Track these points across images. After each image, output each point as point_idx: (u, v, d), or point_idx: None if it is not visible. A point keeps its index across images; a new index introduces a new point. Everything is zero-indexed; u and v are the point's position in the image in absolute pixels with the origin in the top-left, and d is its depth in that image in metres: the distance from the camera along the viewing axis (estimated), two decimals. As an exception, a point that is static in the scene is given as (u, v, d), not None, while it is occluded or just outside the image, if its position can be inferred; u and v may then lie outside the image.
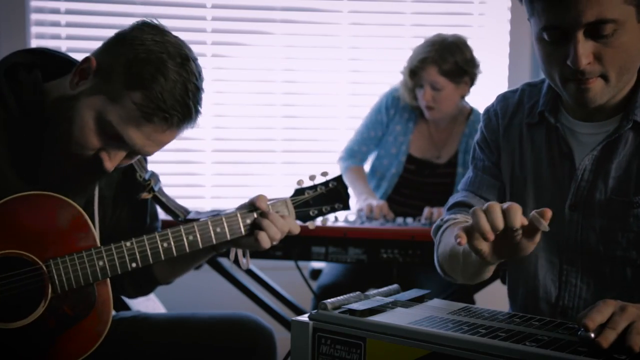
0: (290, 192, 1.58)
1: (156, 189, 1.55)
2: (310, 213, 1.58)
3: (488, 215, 1.08)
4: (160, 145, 1.39)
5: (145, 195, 1.54)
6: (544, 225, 1.08)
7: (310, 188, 1.58)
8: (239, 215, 1.50)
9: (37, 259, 1.35)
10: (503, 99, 1.49)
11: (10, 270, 1.34)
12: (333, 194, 1.60)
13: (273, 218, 1.48)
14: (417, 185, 2.65)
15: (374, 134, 2.70)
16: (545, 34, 1.24)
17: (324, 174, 1.59)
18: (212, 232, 1.47)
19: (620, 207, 1.30)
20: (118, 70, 1.33)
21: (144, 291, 1.65)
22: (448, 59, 2.43)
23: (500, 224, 1.07)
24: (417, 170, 2.64)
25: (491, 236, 1.07)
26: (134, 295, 1.66)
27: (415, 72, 2.49)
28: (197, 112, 1.39)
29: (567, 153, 1.35)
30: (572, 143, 1.35)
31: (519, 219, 1.08)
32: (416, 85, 2.53)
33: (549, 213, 1.08)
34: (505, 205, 1.09)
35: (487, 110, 1.50)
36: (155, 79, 1.32)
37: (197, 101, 1.39)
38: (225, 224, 1.48)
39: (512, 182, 1.44)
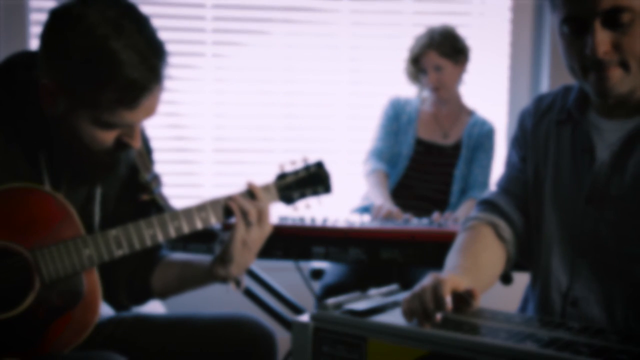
0: (272, 177, 1.63)
1: (156, 192, 1.56)
2: (293, 196, 1.62)
3: (421, 299, 1.14)
4: (157, 102, 1.40)
5: (145, 196, 1.55)
6: (473, 305, 1.17)
7: (292, 172, 1.62)
8: (222, 200, 1.53)
9: (23, 249, 1.35)
10: (538, 99, 1.55)
11: None
12: (315, 177, 1.65)
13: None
14: (426, 168, 2.75)
15: (389, 129, 2.81)
16: (566, 26, 1.28)
17: (304, 159, 1.65)
18: (197, 217, 1.49)
19: (633, 203, 1.31)
20: (76, 82, 1.32)
21: (138, 302, 1.66)
22: (444, 43, 2.72)
23: (429, 305, 1.12)
24: (426, 151, 2.77)
25: (428, 325, 1.10)
26: (128, 305, 1.66)
27: (417, 59, 2.76)
28: (164, 57, 1.37)
29: (588, 148, 1.38)
30: (595, 139, 1.38)
31: (447, 294, 1.14)
32: (420, 72, 2.78)
33: (477, 294, 1.18)
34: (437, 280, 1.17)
35: (523, 111, 1.56)
36: (113, 70, 1.30)
37: (157, 51, 1.35)
38: (209, 209, 1.50)
39: (534, 177, 1.48)
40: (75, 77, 1.32)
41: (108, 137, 1.39)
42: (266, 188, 1.60)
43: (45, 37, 1.35)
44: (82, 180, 1.50)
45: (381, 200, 2.56)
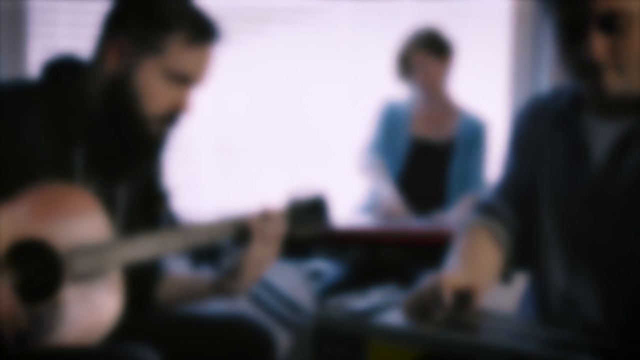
0: (281, 200, 1.63)
1: (168, 204, 1.58)
2: (296, 226, 1.63)
3: (421, 299, 1.16)
4: (210, 67, 1.52)
5: (158, 206, 1.57)
6: (474, 304, 1.20)
7: (299, 202, 1.65)
8: (242, 219, 1.54)
9: (55, 246, 1.36)
10: (533, 101, 1.55)
11: (27, 255, 1.35)
12: (315, 209, 1.66)
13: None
14: (422, 165, 2.78)
15: (384, 127, 2.83)
16: (561, 29, 1.28)
17: (307, 189, 1.67)
18: (216, 232, 1.51)
19: (631, 203, 1.31)
20: (148, 27, 1.42)
21: (141, 311, 1.65)
22: (430, 41, 2.77)
23: (429, 305, 1.14)
24: (421, 150, 2.79)
25: (428, 325, 1.13)
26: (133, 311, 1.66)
27: (406, 58, 2.79)
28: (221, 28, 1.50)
29: (584, 149, 1.38)
30: (591, 139, 1.38)
31: (447, 292, 1.16)
32: (408, 71, 2.80)
33: (477, 294, 1.21)
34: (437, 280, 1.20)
35: (518, 113, 1.56)
36: (183, 13, 1.43)
37: (216, 21, 1.49)
38: (228, 226, 1.53)
39: (531, 180, 1.47)
40: (146, 23, 1.42)
41: (166, 95, 1.45)
42: (281, 212, 1.61)
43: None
44: (115, 173, 1.52)
45: (387, 191, 2.58)
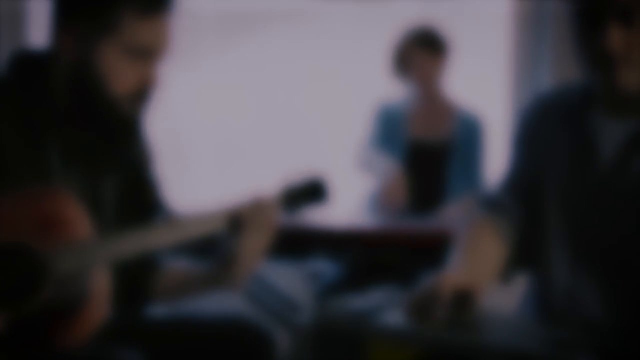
0: (276, 188, 1.63)
1: (159, 195, 1.57)
2: (295, 207, 1.63)
3: (422, 299, 1.19)
4: (170, 36, 1.46)
5: (148, 198, 1.57)
6: (474, 304, 1.21)
7: (296, 186, 1.64)
8: (234, 209, 1.53)
9: (36, 249, 1.35)
10: (540, 98, 1.57)
11: (8, 258, 1.34)
12: (316, 191, 1.65)
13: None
14: (420, 165, 2.77)
15: (381, 128, 2.83)
16: (580, 19, 1.29)
17: (308, 172, 1.66)
18: (208, 224, 1.51)
19: (638, 202, 1.31)
20: (97, 13, 1.40)
21: (137, 305, 1.64)
22: (427, 40, 2.78)
23: (429, 305, 1.16)
24: (418, 149, 2.80)
25: (428, 325, 1.15)
26: (130, 307, 1.65)
27: (402, 55, 2.80)
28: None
29: (592, 146, 1.38)
30: (599, 137, 1.38)
31: (446, 293, 1.19)
32: (404, 69, 2.81)
33: (478, 294, 1.23)
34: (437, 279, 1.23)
35: (524, 110, 1.57)
36: None
37: None
38: (220, 217, 1.52)
39: (537, 176, 1.47)
40: (95, 5, 1.40)
41: (131, 72, 1.42)
42: (273, 199, 1.61)
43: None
44: (96, 164, 1.50)
45: (391, 167, 2.61)
